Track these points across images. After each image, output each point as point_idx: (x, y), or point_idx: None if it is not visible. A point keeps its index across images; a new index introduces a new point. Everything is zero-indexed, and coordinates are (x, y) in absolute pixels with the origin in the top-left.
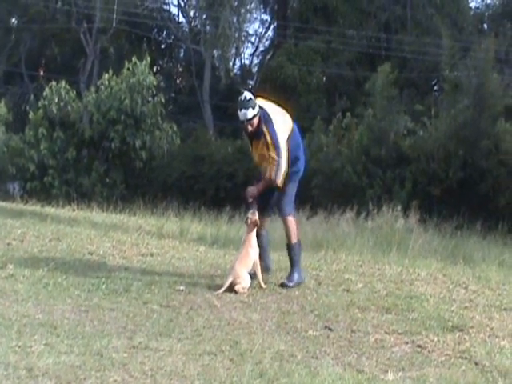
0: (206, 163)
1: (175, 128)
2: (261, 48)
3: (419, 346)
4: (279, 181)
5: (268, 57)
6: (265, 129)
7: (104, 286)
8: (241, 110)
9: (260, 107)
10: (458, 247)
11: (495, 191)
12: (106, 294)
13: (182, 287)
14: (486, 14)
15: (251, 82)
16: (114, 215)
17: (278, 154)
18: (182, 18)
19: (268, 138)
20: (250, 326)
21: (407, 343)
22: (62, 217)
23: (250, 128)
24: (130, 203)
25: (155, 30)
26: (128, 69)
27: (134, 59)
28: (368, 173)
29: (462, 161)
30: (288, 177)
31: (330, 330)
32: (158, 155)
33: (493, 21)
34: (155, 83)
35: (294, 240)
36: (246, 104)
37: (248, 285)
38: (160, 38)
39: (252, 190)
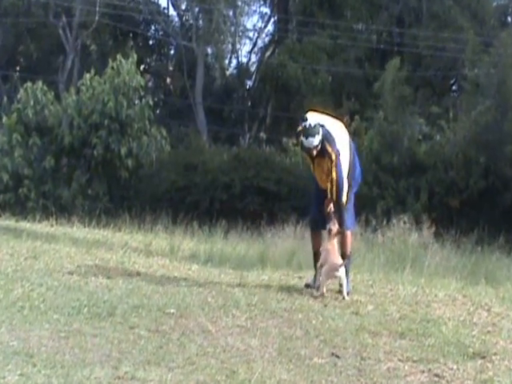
0: (199, 172)
1: (165, 133)
2: (260, 44)
3: (436, 376)
4: (344, 199)
5: (268, 54)
6: (328, 147)
7: (86, 310)
8: (307, 138)
9: (320, 125)
10: (479, 265)
11: None
12: (88, 319)
13: (172, 310)
14: (510, 5)
15: (249, 82)
16: (96, 231)
17: (340, 174)
18: (172, 11)
19: (333, 156)
20: (248, 353)
21: (423, 372)
22: (39, 232)
23: (315, 153)
24: (115, 217)
25: (142, 24)
26: (112, 68)
27: (118, 57)
28: (379, 182)
29: (484, 168)
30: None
31: (338, 357)
32: (146, 164)
33: None
34: (142, 84)
35: (348, 252)
36: (312, 131)
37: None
38: (148, 34)
39: (326, 205)
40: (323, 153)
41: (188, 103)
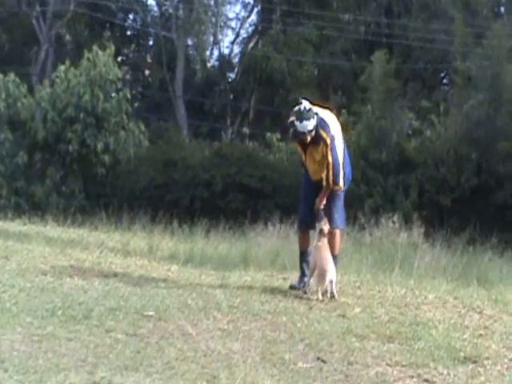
0: (179, 169)
1: (143, 128)
2: (242, 35)
3: (426, 381)
4: (341, 183)
5: (251, 45)
6: (323, 133)
7: (60, 312)
8: (301, 122)
9: (314, 112)
10: (470, 266)
11: None
12: (63, 322)
13: (151, 313)
14: None
15: (231, 75)
16: (71, 229)
17: (335, 157)
18: (150, 1)
19: (328, 140)
20: (230, 357)
21: (412, 377)
22: (11, 231)
23: (309, 139)
24: (91, 216)
25: (120, 14)
26: (88, 59)
27: (94, 48)
28: (367, 179)
29: (476, 165)
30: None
31: (323, 361)
32: (124, 160)
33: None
34: (120, 76)
35: (336, 251)
36: (307, 115)
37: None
38: (125, 24)
39: (318, 202)
40: (317, 140)
41: (167, 96)
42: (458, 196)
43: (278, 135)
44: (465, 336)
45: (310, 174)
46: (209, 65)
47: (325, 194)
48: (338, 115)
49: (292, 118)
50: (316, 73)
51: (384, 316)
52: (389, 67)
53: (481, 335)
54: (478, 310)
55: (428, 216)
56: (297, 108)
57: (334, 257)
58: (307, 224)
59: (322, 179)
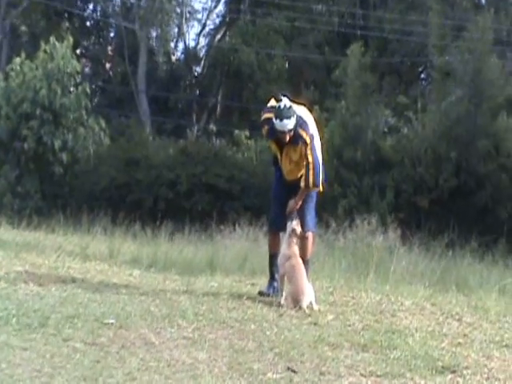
0: (142, 168)
1: (103, 124)
2: (209, 26)
3: None
4: (320, 185)
5: (218, 37)
6: (302, 131)
7: (14, 320)
8: (281, 121)
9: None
10: (449, 270)
11: (495, 202)
12: (17, 330)
13: (111, 321)
14: None
15: (197, 69)
16: (27, 232)
17: (316, 157)
18: None
19: (308, 139)
20: (195, 367)
21: None
22: None
23: (287, 138)
24: (48, 217)
25: (79, 3)
26: (45, 51)
27: (52, 39)
28: (340, 179)
29: (455, 165)
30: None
31: (294, 372)
32: (83, 158)
33: None
34: (79, 69)
35: (308, 256)
36: (287, 113)
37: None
38: (85, 14)
39: (292, 204)
40: (296, 139)
41: (129, 91)
42: (436, 197)
43: (247, 132)
44: (443, 344)
45: (285, 174)
46: (173, 58)
47: (301, 197)
48: (311, 111)
49: (267, 115)
50: (287, 66)
51: (358, 324)
52: (364, 61)
53: (460, 344)
54: (457, 317)
55: (405, 218)
56: (277, 105)
57: (306, 262)
58: (278, 225)
59: (296, 180)
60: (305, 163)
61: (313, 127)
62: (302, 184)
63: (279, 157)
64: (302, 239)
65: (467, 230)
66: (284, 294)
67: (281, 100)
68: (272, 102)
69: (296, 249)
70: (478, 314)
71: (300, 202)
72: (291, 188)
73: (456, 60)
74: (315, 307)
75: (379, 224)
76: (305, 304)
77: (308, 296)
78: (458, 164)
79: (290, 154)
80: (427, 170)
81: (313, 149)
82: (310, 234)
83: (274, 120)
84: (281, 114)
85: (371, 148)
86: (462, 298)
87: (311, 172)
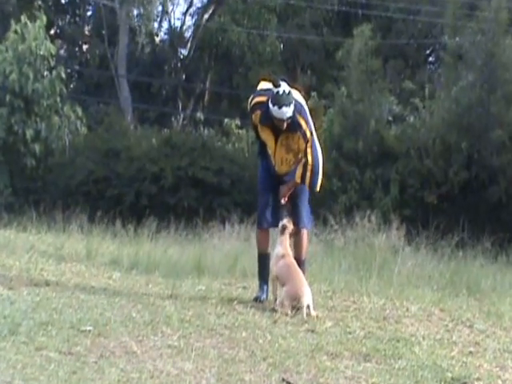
0: (123, 160)
1: (80, 112)
2: (196, 4)
3: None
4: (318, 187)
5: (206, 17)
6: (300, 119)
7: None
8: (281, 108)
9: None
10: (459, 272)
11: (510, 197)
12: None
13: (88, 328)
14: None
15: (183, 51)
16: None
17: (316, 157)
18: None
19: (308, 132)
20: (181, 378)
21: None
22: None
23: (285, 126)
24: (19, 214)
25: None
26: (15, 32)
27: (23, 19)
28: (340, 173)
29: (466, 157)
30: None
31: (289, 383)
32: (57, 149)
33: None
34: (53, 51)
35: (304, 256)
36: (287, 99)
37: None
38: None
39: (284, 190)
40: (293, 126)
41: (109, 76)
42: (446, 192)
43: (238, 121)
44: (452, 354)
45: (277, 165)
46: (157, 39)
47: (293, 185)
48: (307, 98)
49: (260, 99)
50: (281, 48)
51: (359, 331)
52: (369, 43)
53: (471, 353)
54: (468, 323)
55: (410, 215)
56: (275, 91)
57: (302, 262)
58: (267, 221)
59: (289, 172)
60: (303, 162)
61: (310, 117)
62: (298, 180)
63: (271, 145)
64: (296, 237)
65: (479, 229)
66: (278, 299)
67: (279, 85)
68: (262, 85)
69: (290, 248)
70: (491, 320)
71: (292, 189)
72: (281, 180)
73: (467, 42)
74: (313, 313)
75: (382, 222)
76: (305, 304)
77: (307, 296)
78: (470, 156)
79: (288, 143)
80: (435, 162)
81: (313, 147)
82: (305, 232)
83: (270, 106)
84: (280, 100)
85: (374, 138)
86: (474, 303)
87: (309, 174)
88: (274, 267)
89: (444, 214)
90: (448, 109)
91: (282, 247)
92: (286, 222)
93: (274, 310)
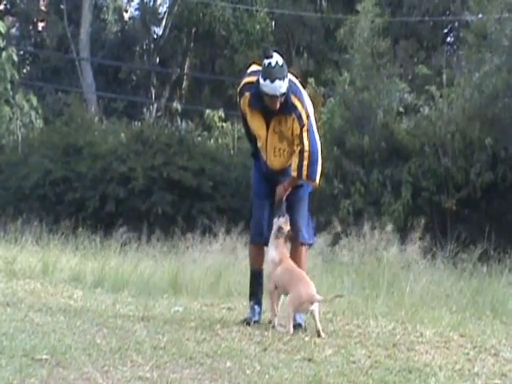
0: (86, 158)
1: (35, 102)
2: None
3: None
4: (318, 178)
5: None
6: (295, 99)
7: None
8: (273, 82)
9: None
10: (483, 291)
11: None
12: None
13: (45, 356)
14: None
15: (157, 30)
16: None
17: (314, 143)
18: None
19: (304, 114)
20: None
21: None
22: None
23: (278, 105)
24: None
25: None
26: None
27: None
28: (342, 173)
29: (491, 155)
30: (303, 187)
31: None
32: (8, 145)
33: None
34: (3, 30)
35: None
36: (280, 72)
37: None
38: None
39: (281, 191)
40: (287, 108)
41: (69, 59)
42: (467, 196)
43: (221, 113)
44: None
45: (268, 159)
46: (126, 16)
47: (290, 184)
48: (304, 85)
49: (249, 79)
50: (273, 27)
51: (365, 360)
52: (379, 21)
53: None
54: (493, 351)
55: (425, 223)
56: (266, 62)
57: None
58: (262, 235)
59: (285, 169)
60: (299, 149)
61: (308, 101)
62: (294, 174)
63: (262, 134)
64: (294, 253)
65: (506, 239)
66: (276, 318)
67: (271, 56)
68: (253, 68)
69: (286, 251)
70: None
71: (289, 189)
72: (277, 182)
73: (492, 20)
74: (322, 334)
75: (392, 231)
76: (317, 310)
77: (317, 298)
78: (495, 153)
79: (280, 129)
80: (454, 161)
81: (310, 131)
82: (303, 249)
83: (261, 81)
84: (272, 72)
85: (382, 133)
86: (500, 327)
87: (306, 162)
88: (271, 276)
89: (464, 222)
90: (469, 98)
91: (277, 252)
92: (283, 222)
93: (263, 336)
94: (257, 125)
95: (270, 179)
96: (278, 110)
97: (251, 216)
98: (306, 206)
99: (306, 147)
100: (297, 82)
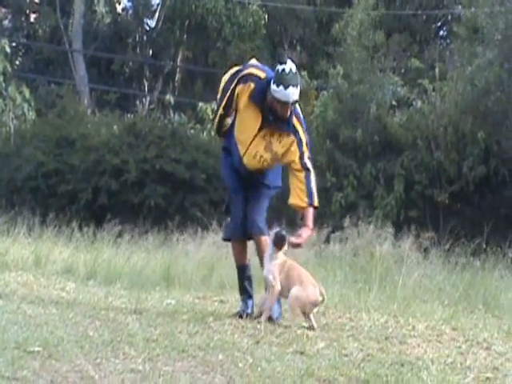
0: (78, 151)
1: (28, 94)
2: None
3: None
4: (316, 200)
5: None
6: (297, 122)
7: None
8: (287, 88)
9: None
10: (475, 285)
11: None
12: None
13: (37, 348)
14: None
15: (150, 22)
16: None
17: (310, 164)
18: None
19: (303, 137)
20: None
21: None
22: None
23: (288, 113)
24: None
25: None
26: None
27: None
28: (335, 167)
29: (484, 148)
30: (269, 187)
31: None
32: (0, 138)
33: None
34: None
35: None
36: (295, 79)
37: None
38: None
39: (307, 235)
40: (288, 127)
41: (62, 51)
42: (459, 190)
43: (214, 105)
44: (467, 380)
45: (246, 156)
46: (119, 7)
47: (312, 219)
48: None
49: (257, 72)
50: (266, 19)
51: (357, 353)
52: (372, 14)
53: (488, 379)
54: (485, 344)
55: (418, 217)
56: (280, 68)
57: None
58: (243, 229)
59: (258, 170)
60: (302, 175)
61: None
62: (304, 199)
63: (249, 131)
64: (258, 244)
65: (499, 233)
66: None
67: (285, 62)
68: (255, 62)
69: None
70: None
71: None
72: (250, 178)
73: (485, 13)
74: (314, 324)
75: (385, 225)
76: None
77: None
78: (487, 147)
79: (271, 140)
80: (447, 154)
81: (311, 159)
82: (264, 238)
83: (273, 87)
84: (286, 79)
85: (375, 126)
86: (492, 321)
87: (314, 185)
88: (274, 281)
89: (457, 216)
90: (462, 92)
91: (274, 263)
92: (284, 232)
93: (256, 329)
94: (249, 120)
95: (242, 174)
96: (277, 120)
97: (229, 211)
98: (264, 204)
99: (311, 171)
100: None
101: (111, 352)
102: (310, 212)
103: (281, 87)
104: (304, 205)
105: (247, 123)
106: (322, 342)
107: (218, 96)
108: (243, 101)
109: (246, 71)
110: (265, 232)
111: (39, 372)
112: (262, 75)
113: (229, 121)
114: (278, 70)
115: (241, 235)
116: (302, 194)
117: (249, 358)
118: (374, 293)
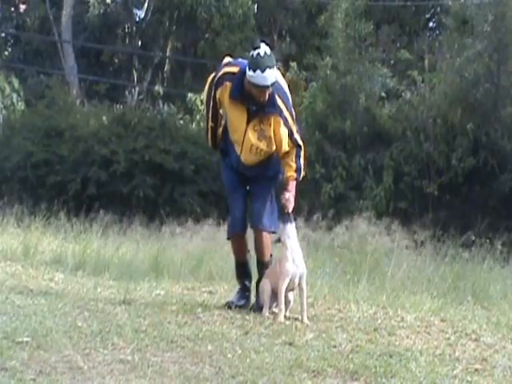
0: (67, 141)
1: (17, 85)
2: None
3: None
4: (302, 175)
5: None
6: (279, 99)
7: None
8: (264, 71)
9: None
10: (464, 276)
11: None
12: None
13: (26, 338)
14: None
15: (139, 13)
16: None
17: (299, 139)
18: None
19: (288, 114)
20: None
21: None
22: None
23: (266, 97)
24: None
25: None
26: None
27: None
28: (324, 158)
29: (473, 140)
30: (272, 178)
31: None
32: None
33: None
34: None
35: (267, 257)
36: (270, 61)
37: None
38: None
39: (288, 200)
40: (273, 107)
41: (51, 42)
42: (448, 182)
43: (204, 96)
44: (455, 372)
45: (243, 154)
46: None
47: (294, 188)
48: (285, 70)
49: (230, 69)
50: (255, 10)
51: (346, 344)
52: (358, 4)
53: (477, 370)
54: (474, 336)
55: (407, 208)
56: (254, 53)
57: (265, 264)
58: (242, 226)
59: (256, 165)
60: (294, 151)
61: (291, 100)
62: (292, 173)
63: (240, 127)
64: (258, 237)
65: (488, 225)
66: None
67: (258, 46)
68: (228, 59)
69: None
70: (501, 332)
71: (293, 195)
72: (249, 175)
73: (474, 5)
74: (305, 320)
75: (374, 216)
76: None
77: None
78: (477, 138)
79: (261, 127)
80: (436, 146)
81: (300, 132)
82: (265, 234)
83: (249, 74)
84: (262, 62)
85: (364, 117)
86: (481, 313)
87: (303, 161)
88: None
89: (446, 208)
90: (451, 83)
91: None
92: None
93: (245, 320)
94: (236, 118)
95: (241, 172)
96: (261, 108)
97: (228, 212)
98: (268, 196)
99: (301, 144)
100: (281, 80)
101: (100, 342)
102: (293, 183)
103: (257, 71)
104: (290, 178)
105: (235, 122)
106: (311, 333)
107: (205, 110)
108: (226, 102)
109: (219, 74)
110: (267, 228)
111: (28, 362)
112: (236, 69)
113: (220, 131)
114: (252, 55)
115: (236, 231)
116: (290, 169)
117: (238, 349)
118: (363, 284)
